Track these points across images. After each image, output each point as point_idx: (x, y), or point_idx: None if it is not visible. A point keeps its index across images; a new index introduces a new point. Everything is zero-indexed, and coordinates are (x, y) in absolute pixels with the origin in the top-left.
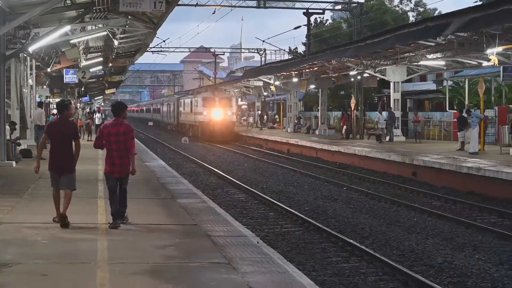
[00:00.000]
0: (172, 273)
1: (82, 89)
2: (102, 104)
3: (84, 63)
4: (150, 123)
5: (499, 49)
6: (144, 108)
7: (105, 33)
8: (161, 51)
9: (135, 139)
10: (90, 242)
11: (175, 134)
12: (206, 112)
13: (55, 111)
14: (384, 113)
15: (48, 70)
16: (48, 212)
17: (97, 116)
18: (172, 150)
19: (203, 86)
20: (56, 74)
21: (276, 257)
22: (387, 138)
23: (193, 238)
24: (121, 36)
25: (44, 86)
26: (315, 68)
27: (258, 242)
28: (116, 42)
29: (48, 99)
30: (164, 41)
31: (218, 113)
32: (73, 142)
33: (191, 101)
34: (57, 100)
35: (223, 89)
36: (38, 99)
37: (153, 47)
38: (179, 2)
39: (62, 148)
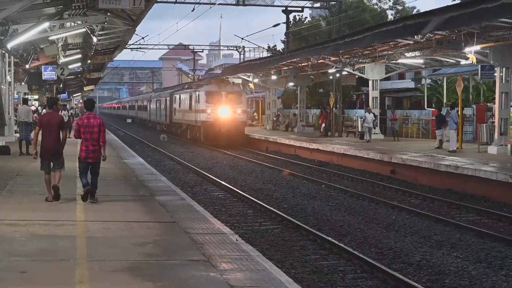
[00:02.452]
0: (151, 270)
1: (61, 86)
2: (81, 101)
3: (62, 60)
4: (129, 120)
5: (477, 47)
6: (127, 105)
7: (84, 30)
8: (140, 48)
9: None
10: (69, 239)
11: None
12: (211, 109)
13: (33, 108)
14: (362, 111)
15: (27, 66)
16: (27, 209)
17: (63, 113)
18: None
19: (205, 78)
20: (35, 70)
21: (255, 254)
22: (368, 136)
23: (172, 236)
24: (100, 33)
25: (23, 83)
26: (293, 66)
27: (237, 240)
28: (95, 39)
29: (27, 96)
30: (143, 38)
31: (225, 111)
32: (61, 132)
33: (191, 96)
34: (35, 96)
35: (231, 81)
36: (16, 96)
37: (132, 44)
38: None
39: (51, 136)
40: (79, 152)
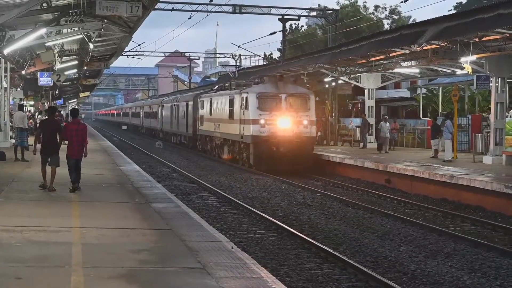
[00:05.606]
0: (147, 277)
1: (57, 92)
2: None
3: (59, 66)
4: (124, 127)
5: (473, 57)
6: (130, 112)
7: (80, 36)
8: (136, 55)
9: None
10: (65, 245)
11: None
12: (266, 120)
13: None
14: (358, 120)
15: (23, 72)
16: (23, 215)
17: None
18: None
19: (253, 70)
20: (31, 76)
21: (250, 262)
22: (384, 147)
23: (168, 243)
24: (97, 39)
25: (18, 89)
26: (289, 75)
27: (232, 247)
28: (91, 46)
29: (22, 102)
30: (139, 45)
31: (286, 122)
32: (57, 134)
33: (231, 100)
34: (31, 102)
35: (292, 78)
36: (12, 102)
37: (128, 51)
38: (156, 7)
39: (51, 138)
40: (67, 151)
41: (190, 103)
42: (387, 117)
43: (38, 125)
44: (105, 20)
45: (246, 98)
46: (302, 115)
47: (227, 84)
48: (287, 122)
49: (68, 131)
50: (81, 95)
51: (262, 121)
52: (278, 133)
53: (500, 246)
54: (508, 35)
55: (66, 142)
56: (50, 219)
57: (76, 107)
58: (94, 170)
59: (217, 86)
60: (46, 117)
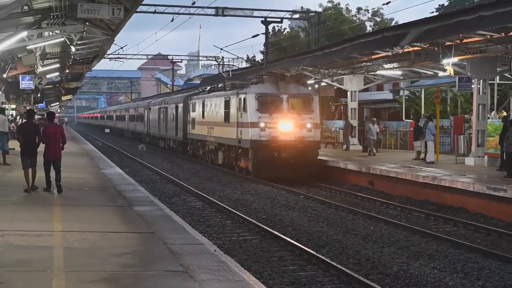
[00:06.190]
0: (129, 281)
1: (39, 95)
2: (59, 110)
3: (40, 69)
4: (107, 130)
5: (455, 59)
6: (114, 115)
7: (62, 39)
8: (118, 58)
9: None
10: (47, 249)
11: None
12: (266, 123)
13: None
14: (341, 122)
15: (4, 76)
16: (4, 219)
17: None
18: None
19: (251, 70)
20: (12, 80)
21: (233, 265)
22: (373, 150)
23: (150, 246)
24: (79, 42)
25: (0, 92)
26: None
27: (215, 250)
28: (73, 49)
29: (4, 105)
30: (121, 48)
31: (288, 126)
32: (37, 137)
33: (227, 102)
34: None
35: (293, 78)
36: None
37: (111, 54)
38: (137, 9)
39: (30, 140)
40: (45, 153)
41: (180, 105)
42: (375, 119)
43: (17, 129)
44: (87, 23)
45: (244, 99)
46: (305, 117)
47: (220, 85)
48: (289, 125)
49: (46, 134)
50: (64, 98)
51: (262, 124)
52: (279, 138)
53: (482, 247)
54: (489, 37)
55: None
56: (32, 223)
57: (59, 110)
58: (76, 173)
59: (209, 87)
60: (25, 120)
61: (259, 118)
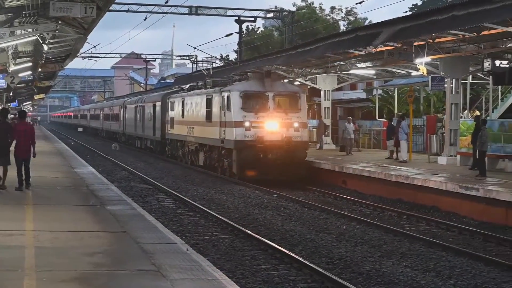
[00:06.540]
0: (101, 280)
1: (11, 94)
2: (31, 109)
3: (13, 68)
4: (80, 129)
5: (428, 59)
6: (88, 114)
7: (34, 37)
8: (91, 56)
9: None
10: (18, 249)
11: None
12: (251, 122)
13: None
14: (315, 121)
15: None
16: None
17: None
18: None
19: (227, 69)
20: None
21: (205, 264)
22: (349, 149)
23: (122, 245)
24: (51, 41)
25: None
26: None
27: (187, 250)
28: (46, 47)
29: None
30: (94, 46)
31: (274, 125)
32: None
33: (209, 100)
34: None
35: (281, 75)
36: None
37: (84, 53)
38: (110, 8)
39: (2, 139)
40: (15, 151)
41: (158, 103)
42: (351, 118)
43: None
44: (59, 22)
45: (228, 97)
46: (292, 116)
47: (200, 83)
48: (276, 125)
49: (16, 132)
50: (36, 97)
51: (246, 124)
52: (265, 138)
53: (454, 245)
54: (462, 36)
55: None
56: (3, 223)
57: (31, 109)
58: (48, 172)
59: (189, 85)
60: None
61: (243, 117)
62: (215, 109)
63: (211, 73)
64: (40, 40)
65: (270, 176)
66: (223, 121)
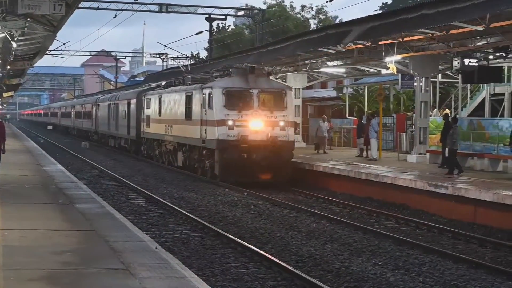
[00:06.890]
0: (69, 279)
1: None
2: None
3: None
4: (50, 127)
5: (397, 57)
6: (59, 111)
7: (3, 35)
8: (61, 54)
9: None
10: None
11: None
12: (234, 120)
13: None
14: None
15: None
16: None
17: None
18: None
19: (205, 65)
20: None
21: (174, 262)
22: (323, 148)
23: (91, 244)
24: (20, 38)
25: None
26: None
27: (156, 248)
28: (14, 45)
29: None
30: (64, 44)
31: (259, 124)
32: None
33: (189, 98)
34: None
35: (265, 70)
36: None
37: (53, 50)
38: (80, 5)
39: None
40: None
41: (133, 101)
42: (325, 116)
43: None
44: (28, 19)
45: (210, 94)
46: (277, 114)
47: (178, 80)
48: (260, 124)
49: None
50: (5, 95)
51: (229, 122)
52: (249, 137)
53: (423, 243)
54: (431, 35)
55: None
56: None
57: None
58: (16, 170)
59: (165, 82)
60: None
61: (226, 115)
62: (196, 107)
63: (189, 69)
64: (8, 37)
65: (254, 178)
66: (204, 119)
